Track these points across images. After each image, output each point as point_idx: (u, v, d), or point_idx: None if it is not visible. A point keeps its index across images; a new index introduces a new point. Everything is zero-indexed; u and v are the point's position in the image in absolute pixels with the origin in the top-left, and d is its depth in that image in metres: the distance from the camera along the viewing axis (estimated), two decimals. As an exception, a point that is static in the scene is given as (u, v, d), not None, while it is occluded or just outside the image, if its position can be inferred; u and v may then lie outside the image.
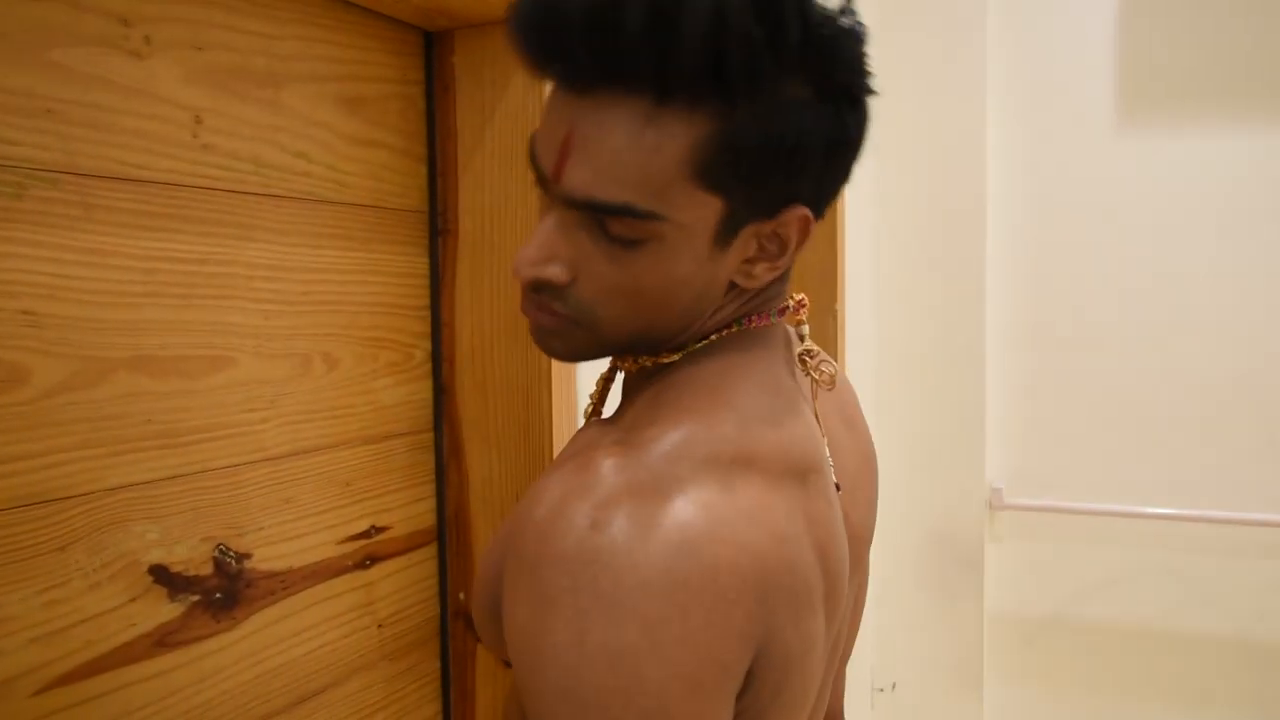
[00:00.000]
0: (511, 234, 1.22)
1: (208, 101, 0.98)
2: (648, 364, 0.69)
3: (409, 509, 1.26)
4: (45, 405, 0.84)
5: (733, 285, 0.67)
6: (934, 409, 2.59)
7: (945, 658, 2.64)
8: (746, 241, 0.64)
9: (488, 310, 1.25)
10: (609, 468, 0.56)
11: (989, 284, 2.52)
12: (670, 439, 0.60)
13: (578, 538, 0.53)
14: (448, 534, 1.31)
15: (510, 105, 1.22)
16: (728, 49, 0.53)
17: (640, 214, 0.58)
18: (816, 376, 0.69)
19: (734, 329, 0.67)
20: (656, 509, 0.55)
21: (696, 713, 0.54)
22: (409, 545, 1.26)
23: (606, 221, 0.59)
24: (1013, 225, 2.54)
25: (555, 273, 0.62)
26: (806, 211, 0.64)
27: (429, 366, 1.29)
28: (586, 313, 0.64)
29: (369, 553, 1.20)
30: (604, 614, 0.52)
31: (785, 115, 0.58)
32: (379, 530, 1.21)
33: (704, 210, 0.60)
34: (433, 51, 1.26)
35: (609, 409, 0.75)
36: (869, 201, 2.58)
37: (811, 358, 0.69)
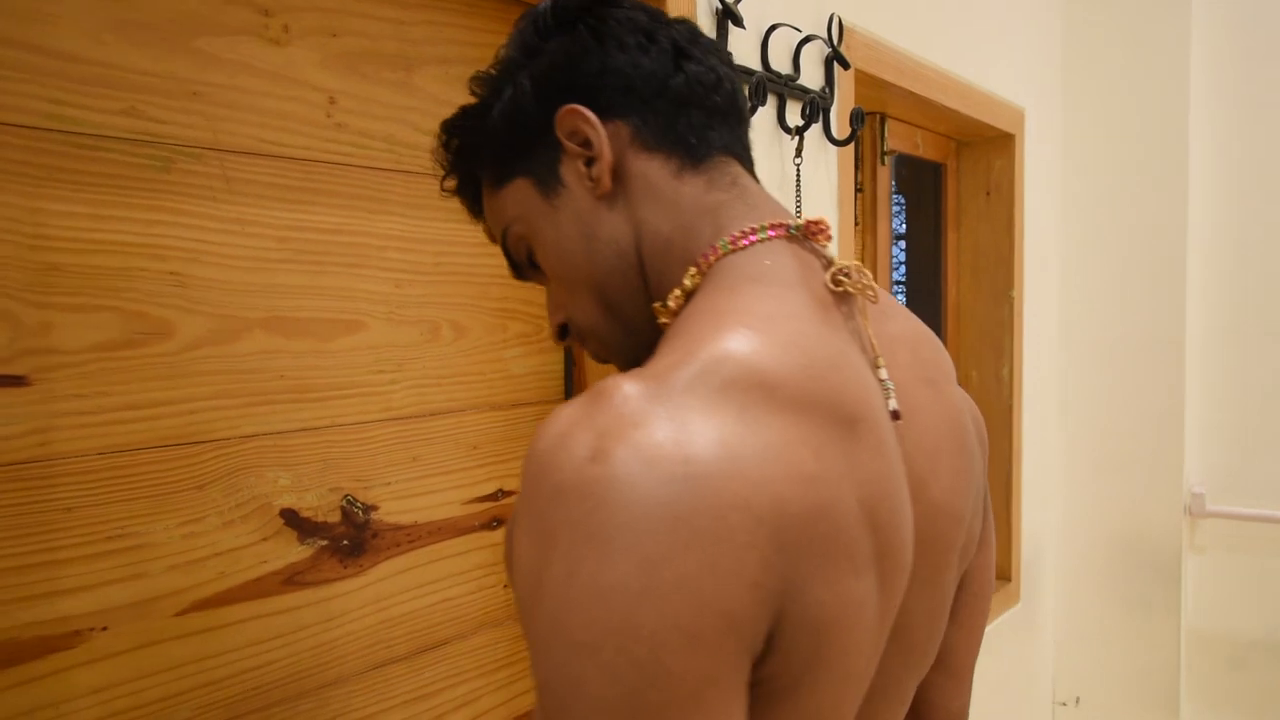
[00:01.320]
0: (637, 209, 1.25)
1: (341, 84, 1.06)
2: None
3: (537, 475, 1.31)
4: (187, 357, 0.94)
5: (617, 201, 0.69)
6: (1126, 404, 2.41)
7: (1136, 674, 2.45)
8: (565, 171, 0.71)
9: (613, 284, 1.28)
10: (618, 399, 0.53)
11: (1190, 268, 2.31)
12: (684, 368, 0.55)
13: (576, 468, 0.50)
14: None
15: (636, 82, 1.24)
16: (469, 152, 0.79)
17: (515, 230, 0.75)
18: (855, 290, 0.63)
19: (712, 259, 0.66)
20: (662, 439, 0.51)
21: (695, 668, 0.48)
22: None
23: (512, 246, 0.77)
24: (1216, 204, 2.32)
25: (558, 318, 0.77)
26: (573, 106, 0.69)
27: (559, 339, 1.34)
28: (584, 336, 0.76)
29: (496, 514, 1.25)
30: (599, 550, 0.49)
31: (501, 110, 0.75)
32: (506, 494, 1.27)
33: (532, 210, 0.73)
34: (566, 33, 1.30)
35: None
36: (1054, 180, 2.43)
37: (846, 275, 0.64)
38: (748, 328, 0.56)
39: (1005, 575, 2.30)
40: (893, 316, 0.70)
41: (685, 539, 0.49)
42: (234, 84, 0.96)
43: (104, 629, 0.89)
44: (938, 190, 2.27)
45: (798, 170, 1.41)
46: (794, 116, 1.42)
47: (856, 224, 1.90)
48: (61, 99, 0.85)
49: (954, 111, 1.95)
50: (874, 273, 1.97)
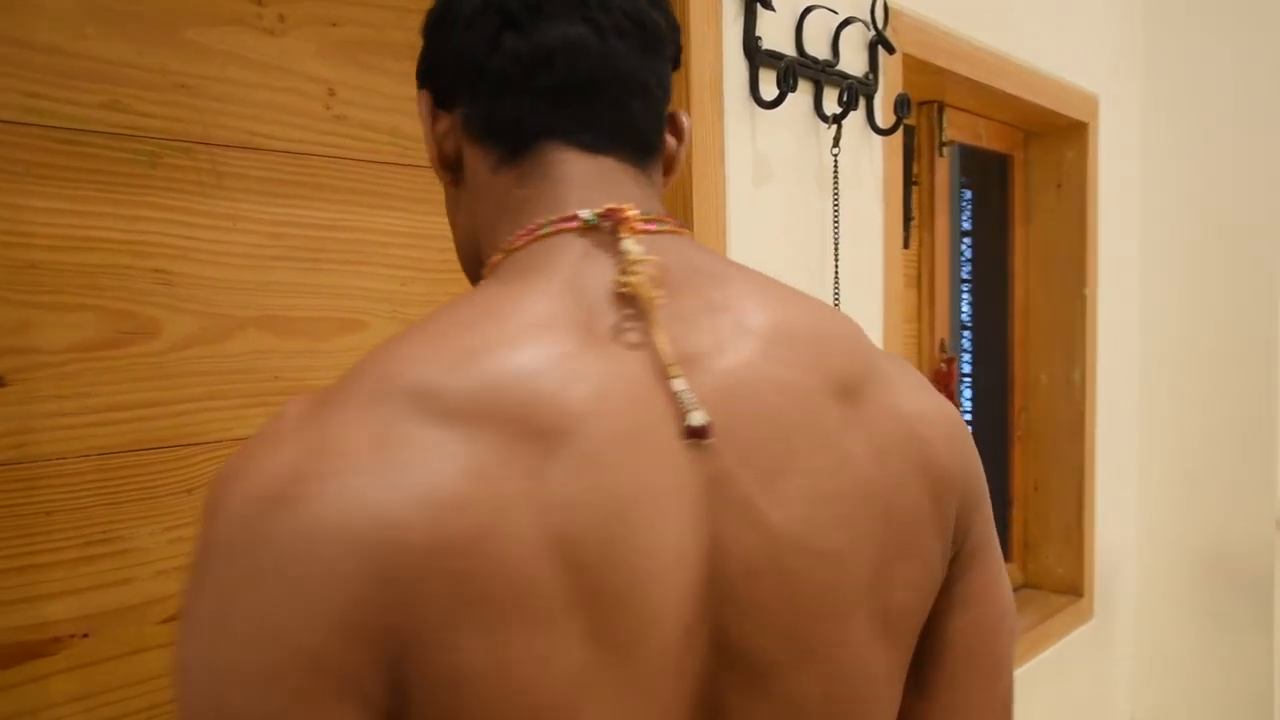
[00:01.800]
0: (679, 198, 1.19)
1: (341, 75, 1.02)
2: None
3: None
4: (175, 357, 0.91)
5: (461, 193, 0.64)
6: (1212, 411, 2.25)
7: (1224, 697, 2.29)
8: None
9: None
10: (276, 419, 0.48)
11: (1283, 265, 2.15)
12: (350, 382, 0.48)
13: (209, 490, 0.47)
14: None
15: (656, 69, 1.19)
16: None
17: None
18: (633, 291, 0.52)
19: (495, 262, 0.58)
20: (274, 464, 0.45)
21: (264, 707, 0.42)
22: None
23: None
24: (1314, 195, 2.15)
25: None
26: (421, 92, 0.64)
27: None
28: None
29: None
30: (194, 577, 0.45)
31: None
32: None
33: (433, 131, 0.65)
34: (587, 20, 1.26)
35: None
36: (1131, 172, 2.29)
37: (631, 274, 0.52)
38: (433, 334, 0.50)
39: (1077, 590, 2.17)
40: (773, 310, 0.55)
41: (266, 568, 0.43)
42: (225, 76, 0.94)
43: (85, 635, 0.87)
44: (1004, 183, 2.15)
45: (835, 161, 1.33)
46: (833, 105, 1.35)
47: (911, 218, 1.81)
48: (41, 92, 0.83)
49: (1018, 99, 1.84)
50: (933, 269, 1.87)
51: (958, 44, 1.63)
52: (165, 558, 0.91)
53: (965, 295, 2.38)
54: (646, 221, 0.56)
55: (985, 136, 2.01)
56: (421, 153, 1.09)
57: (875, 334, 1.47)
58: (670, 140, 0.65)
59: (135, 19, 0.88)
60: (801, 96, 1.32)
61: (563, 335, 0.50)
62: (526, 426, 0.46)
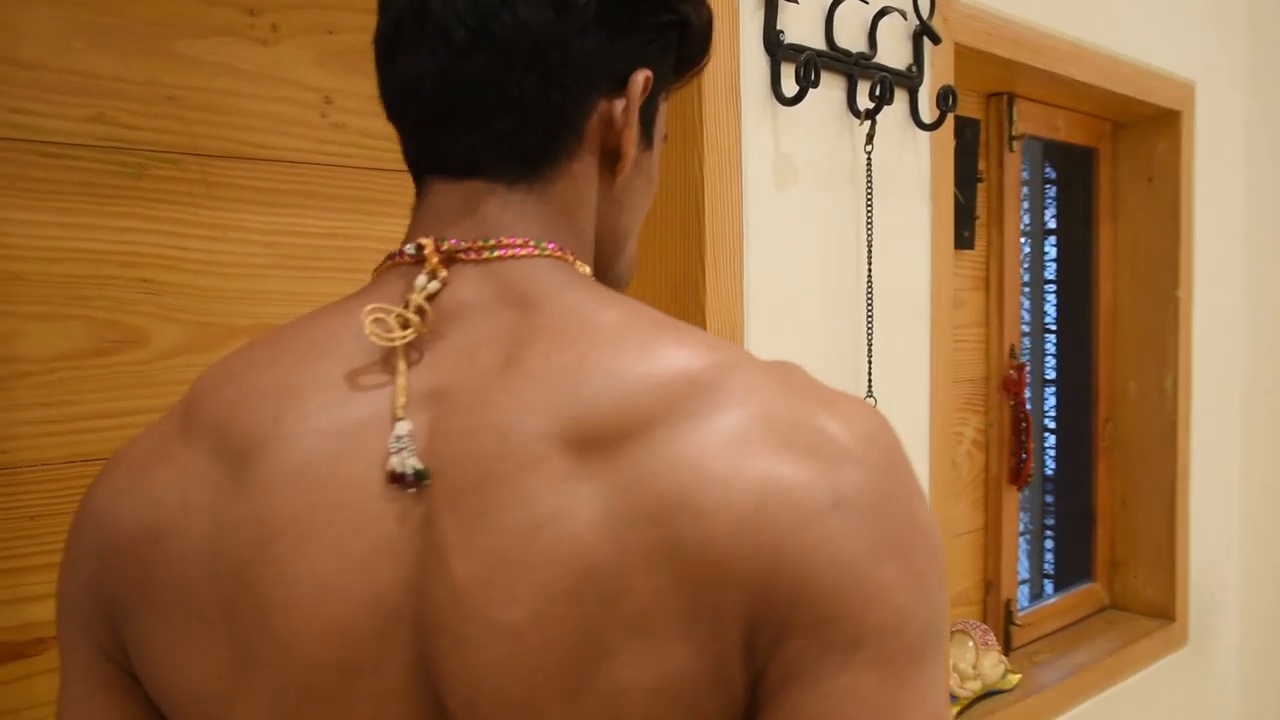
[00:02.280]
0: (690, 202, 1.15)
1: (339, 83, 1.02)
2: None
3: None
4: (163, 366, 0.92)
5: None
6: (1327, 423, 2.07)
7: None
8: None
9: (650, 285, 1.19)
10: None
11: None
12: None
13: None
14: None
15: (670, 67, 1.15)
16: None
17: None
18: (372, 333, 0.51)
19: None
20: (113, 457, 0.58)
21: (63, 656, 0.57)
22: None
23: None
24: None
25: None
26: None
27: (600, 346, 1.26)
28: None
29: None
30: None
31: None
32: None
33: None
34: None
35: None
36: (1233, 164, 2.12)
37: (380, 315, 0.51)
38: (239, 350, 0.56)
39: (1168, 614, 2.02)
40: (549, 347, 0.50)
41: (67, 542, 0.57)
42: (215, 87, 0.94)
43: (71, 637, 0.89)
44: (1088, 178, 2.02)
45: (868, 159, 1.26)
46: (869, 100, 1.28)
47: (975, 217, 1.71)
48: (26, 108, 0.85)
49: (1099, 88, 1.72)
50: (1002, 270, 1.77)
51: (1021, 31, 1.53)
52: (153, 563, 0.93)
53: (1050, 297, 2.25)
54: (480, 249, 0.53)
55: (1065, 129, 1.88)
56: (424, 159, 1.08)
57: (920, 340, 1.39)
58: (596, 135, 0.58)
59: (123, 32, 0.90)
60: (832, 92, 1.25)
61: (313, 365, 0.52)
62: (226, 445, 0.51)
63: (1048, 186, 2.15)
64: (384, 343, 0.50)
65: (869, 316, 1.27)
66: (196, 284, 0.94)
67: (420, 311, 0.51)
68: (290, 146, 0.99)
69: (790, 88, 1.17)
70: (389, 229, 1.06)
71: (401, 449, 0.48)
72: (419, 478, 0.47)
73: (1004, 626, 1.80)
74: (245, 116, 0.96)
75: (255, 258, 0.98)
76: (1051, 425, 2.22)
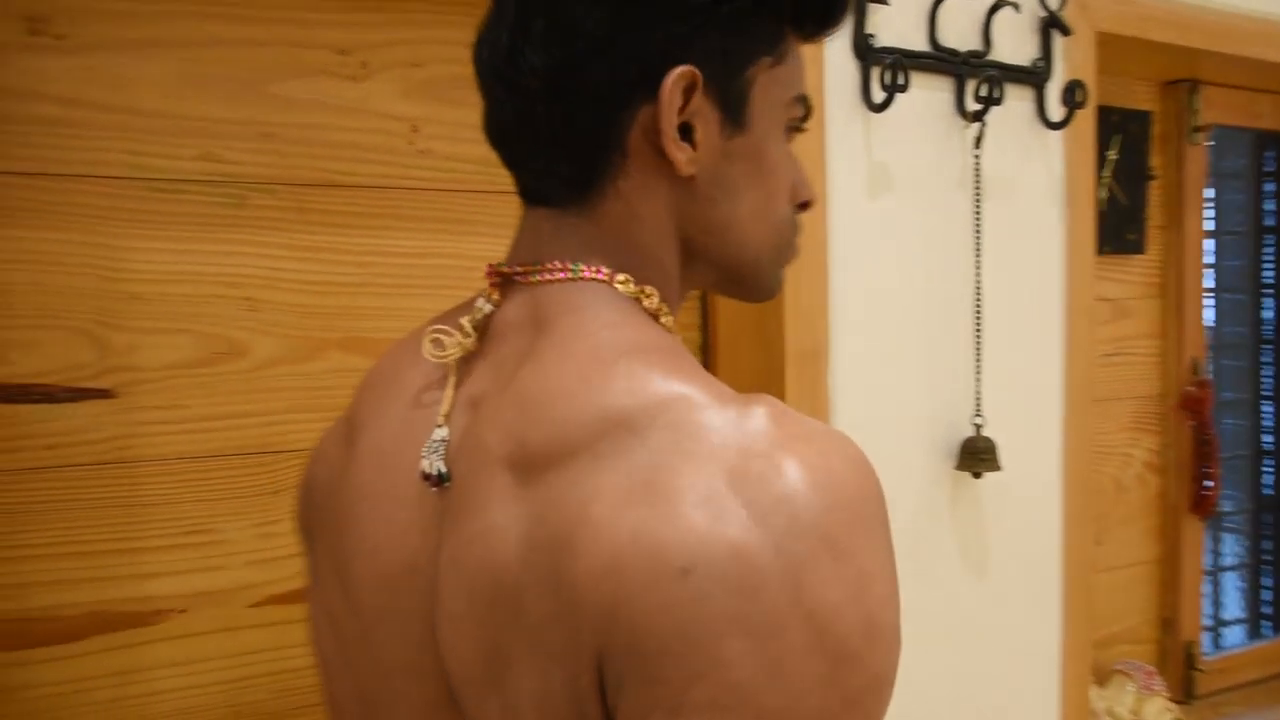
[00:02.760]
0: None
1: (425, 111, 1.09)
2: None
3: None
4: (260, 374, 1.03)
5: None
6: None
7: None
8: None
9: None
10: None
11: None
12: None
13: None
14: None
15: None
16: None
17: None
18: (429, 354, 0.60)
19: None
20: None
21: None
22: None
23: None
24: None
25: None
26: None
27: (699, 357, 1.26)
28: None
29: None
30: None
31: None
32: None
33: None
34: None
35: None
36: None
37: (440, 335, 0.60)
38: (383, 353, 0.69)
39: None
40: (536, 366, 0.54)
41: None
42: (308, 122, 1.04)
43: (182, 611, 1.01)
44: (1306, 168, 1.78)
45: (976, 163, 1.19)
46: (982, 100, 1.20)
47: (1144, 218, 1.56)
48: (142, 149, 0.98)
49: (1305, 68, 1.52)
50: (1181, 276, 1.60)
51: (1180, 10, 1.38)
52: (254, 550, 1.04)
53: (1269, 303, 2.00)
54: (526, 273, 0.59)
55: (1269, 115, 1.67)
56: (509, 178, 1.14)
57: (1050, 354, 1.29)
58: (644, 145, 0.58)
59: (226, 79, 1.01)
60: (937, 94, 1.19)
61: (408, 369, 0.63)
62: (350, 424, 0.65)
63: (1263, 181, 1.91)
64: (436, 360, 0.59)
65: (977, 331, 1.19)
66: (291, 301, 1.04)
67: (473, 330, 0.59)
68: (379, 173, 1.08)
69: (892, 94, 1.13)
70: (472, 247, 1.12)
71: (433, 452, 0.56)
72: (441, 479, 0.55)
73: (1183, 671, 1.63)
74: (336, 147, 1.06)
75: (346, 276, 1.07)
76: (1270, 440, 1.98)
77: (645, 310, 0.60)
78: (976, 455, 1.18)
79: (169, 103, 0.99)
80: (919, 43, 1.18)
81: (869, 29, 1.14)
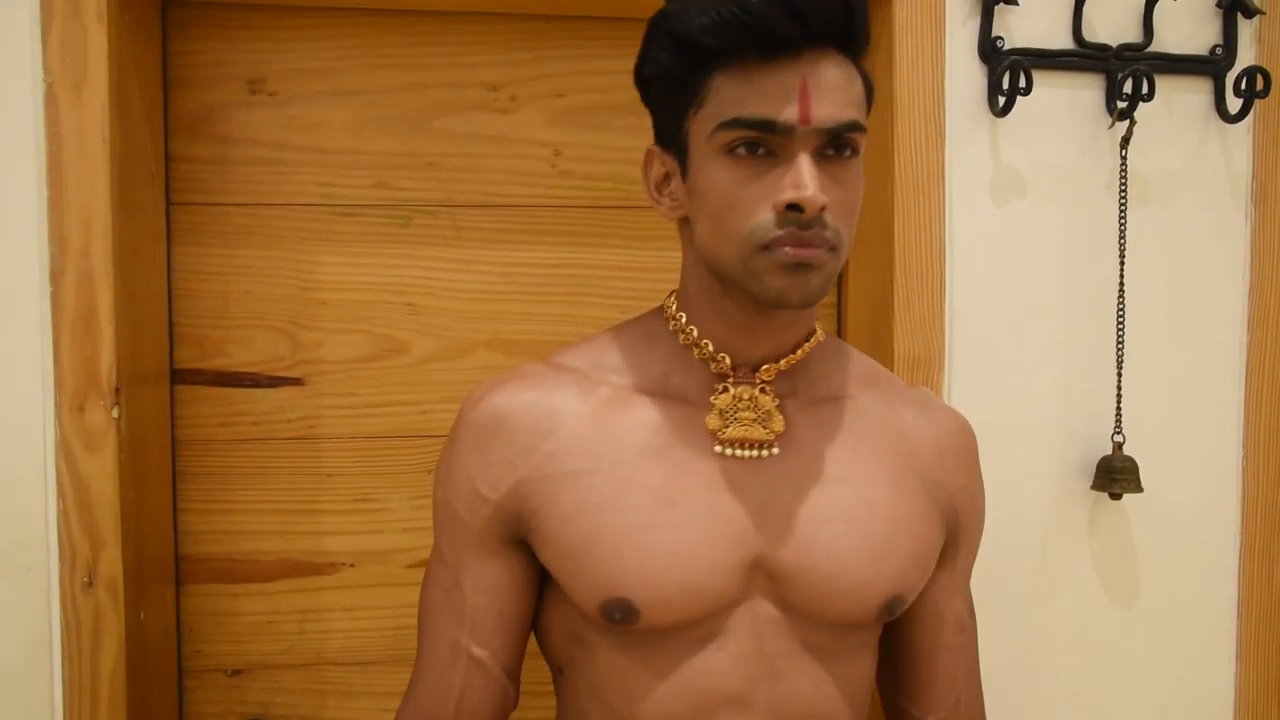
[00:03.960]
0: (884, 225, 1.15)
1: (567, 137, 1.22)
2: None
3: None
4: (420, 369, 1.21)
5: None
6: None
7: None
8: None
9: (875, 307, 1.20)
10: None
11: None
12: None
13: None
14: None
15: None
16: (866, 29, 0.77)
17: (862, 125, 0.75)
18: None
19: None
20: None
21: None
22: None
23: (844, 138, 0.74)
24: None
25: (827, 198, 0.72)
26: None
27: (832, 364, 1.29)
28: (838, 233, 0.74)
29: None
30: None
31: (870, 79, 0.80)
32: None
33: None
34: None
35: None
36: None
37: None
38: None
39: None
40: None
41: None
42: (465, 151, 1.20)
43: (351, 565, 1.21)
44: None
45: (1123, 163, 1.12)
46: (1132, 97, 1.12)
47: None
48: (330, 181, 1.19)
49: None
50: None
51: None
52: (409, 518, 1.21)
53: None
54: None
55: None
56: (641, 194, 1.23)
57: (1230, 370, 1.17)
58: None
59: (397, 119, 1.20)
60: (1082, 93, 1.13)
61: None
62: None
63: None
64: None
65: (1119, 343, 1.12)
66: (447, 306, 1.21)
67: None
68: (524, 193, 1.22)
69: (1013, 97, 1.10)
70: (606, 257, 1.23)
71: None
72: None
73: None
74: (488, 172, 1.21)
75: (494, 285, 1.22)
76: None
77: (664, 316, 0.86)
78: (1114, 474, 1.10)
79: (352, 141, 1.19)
80: (1061, 40, 1.13)
81: (997, 31, 1.11)
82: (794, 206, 0.71)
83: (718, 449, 0.80)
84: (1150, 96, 1.09)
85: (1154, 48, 1.14)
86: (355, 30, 1.18)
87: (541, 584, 0.86)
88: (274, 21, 1.17)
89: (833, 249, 0.74)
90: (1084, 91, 1.14)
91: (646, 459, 0.79)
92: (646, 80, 0.80)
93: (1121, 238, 1.12)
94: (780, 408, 0.81)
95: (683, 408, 0.81)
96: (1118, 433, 1.12)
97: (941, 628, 0.88)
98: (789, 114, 0.72)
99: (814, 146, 0.73)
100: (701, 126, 0.75)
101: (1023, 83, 1.08)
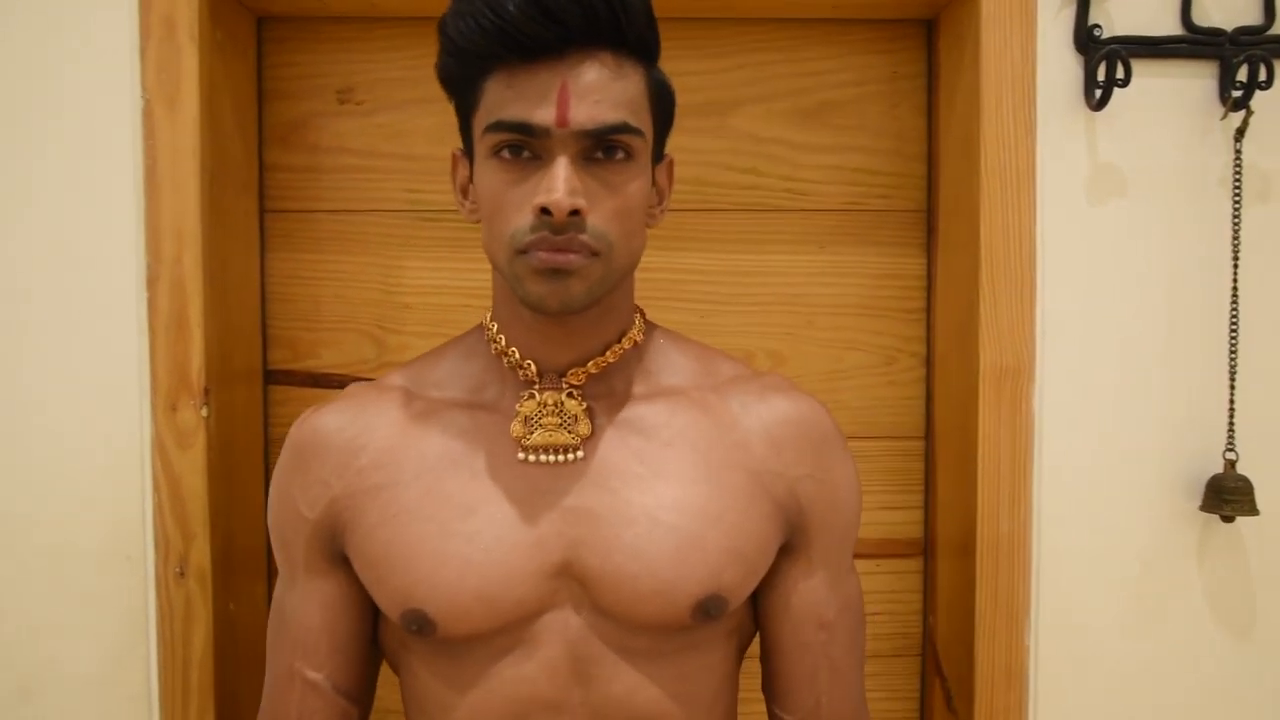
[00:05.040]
0: (971, 227, 1.10)
1: (646, 140, 1.21)
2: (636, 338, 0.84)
3: (886, 515, 1.24)
4: (499, 372, 1.22)
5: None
6: None
7: None
8: (652, 178, 0.80)
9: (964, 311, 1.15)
10: None
11: None
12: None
13: None
14: (931, 550, 1.23)
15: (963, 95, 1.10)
16: (651, 26, 0.76)
17: (633, 128, 0.74)
18: None
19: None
20: None
21: None
22: (882, 552, 1.25)
23: (610, 140, 0.73)
24: None
25: (584, 202, 0.72)
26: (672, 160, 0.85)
27: (920, 372, 1.24)
28: (602, 238, 0.73)
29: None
30: None
31: (666, 81, 0.81)
32: (842, 527, 1.24)
33: (649, 136, 0.77)
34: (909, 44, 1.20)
35: None
36: None
37: None
38: None
39: None
40: None
41: None
42: (544, 157, 1.21)
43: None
44: None
45: (1237, 156, 1.03)
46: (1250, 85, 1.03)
47: None
48: (415, 187, 1.22)
49: None
50: None
51: None
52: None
53: None
54: None
55: None
56: (721, 197, 1.22)
57: (1367, 383, 1.06)
58: None
59: (479, 125, 1.21)
60: (1193, 82, 1.05)
61: None
62: None
63: None
64: None
65: (1232, 353, 1.03)
66: (526, 310, 1.22)
67: None
68: (602, 198, 1.21)
69: (1109, 90, 1.03)
70: (689, 262, 1.21)
71: None
72: None
73: None
74: (567, 177, 1.21)
75: (572, 289, 1.22)
76: None
77: (483, 328, 0.86)
78: (1225, 495, 1.02)
79: (436, 148, 1.22)
80: (1168, 26, 1.05)
81: (1095, 19, 1.04)
82: (545, 210, 0.70)
83: (521, 456, 0.78)
84: (1269, 84, 1.00)
85: (1276, 29, 1.04)
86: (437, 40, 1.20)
87: None
88: (361, 33, 1.20)
89: (595, 254, 0.73)
90: (1193, 80, 1.05)
91: (448, 468, 0.78)
92: (442, 83, 0.81)
93: (1235, 238, 1.03)
94: (589, 412, 0.80)
95: (491, 416, 0.80)
96: (1230, 450, 1.03)
97: (797, 625, 0.82)
98: (543, 116, 0.71)
99: (576, 150, 0.72)
100: (478, 129, 0.76)
101: (1120, 73, 1.00)
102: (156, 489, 1.06)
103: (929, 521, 1.24)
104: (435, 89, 1.19)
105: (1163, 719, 1.08)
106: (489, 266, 1.18)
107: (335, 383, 1.23)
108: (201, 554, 1.06)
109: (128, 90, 1.03)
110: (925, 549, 1.25)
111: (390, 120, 1.21)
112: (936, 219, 1.20)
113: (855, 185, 1.22)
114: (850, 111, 1.22)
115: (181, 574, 1.06)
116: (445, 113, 1.19)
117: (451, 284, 1.22)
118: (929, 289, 1.23)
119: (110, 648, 1.07)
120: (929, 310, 1.23)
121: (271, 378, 1.23)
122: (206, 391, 1.06)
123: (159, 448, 1.06)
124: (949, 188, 1.16)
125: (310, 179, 1.22)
